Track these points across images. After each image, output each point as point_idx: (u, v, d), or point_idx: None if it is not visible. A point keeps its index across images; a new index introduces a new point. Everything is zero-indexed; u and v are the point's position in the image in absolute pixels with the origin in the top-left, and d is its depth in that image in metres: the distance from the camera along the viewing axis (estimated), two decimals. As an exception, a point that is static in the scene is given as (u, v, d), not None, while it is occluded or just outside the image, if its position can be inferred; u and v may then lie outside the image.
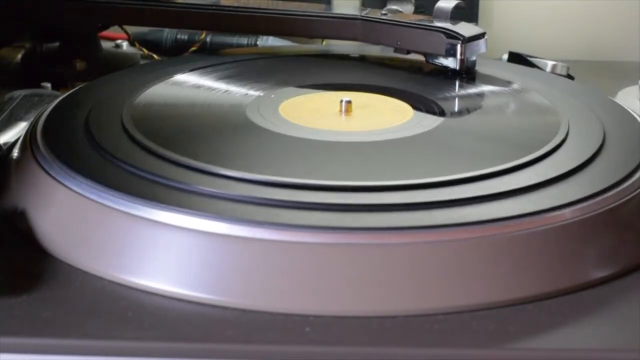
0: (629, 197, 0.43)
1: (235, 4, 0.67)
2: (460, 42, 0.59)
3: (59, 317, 0.37)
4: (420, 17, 0.64)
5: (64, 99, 0.54)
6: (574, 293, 0.39)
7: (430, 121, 0.51)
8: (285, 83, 0.58)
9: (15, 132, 0.52)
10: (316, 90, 0.57)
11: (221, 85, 0.57)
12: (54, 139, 0.47)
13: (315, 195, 0.41)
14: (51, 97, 0.57)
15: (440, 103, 0.54)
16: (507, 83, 0.59)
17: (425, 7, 0.72)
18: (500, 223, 0.40)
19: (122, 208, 0.41)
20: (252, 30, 0.71)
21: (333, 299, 0.38)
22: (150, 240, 0.40)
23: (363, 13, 0.64)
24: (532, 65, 0.66)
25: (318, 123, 0.51)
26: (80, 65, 0.69)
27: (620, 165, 0.45)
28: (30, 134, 0.49)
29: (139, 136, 0.47)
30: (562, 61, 0.65)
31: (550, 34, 0.84)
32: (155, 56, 0.75)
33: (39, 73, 0.67)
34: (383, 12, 0.64)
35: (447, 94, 0.57)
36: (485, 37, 0.60)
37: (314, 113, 0.53)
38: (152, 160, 0.44)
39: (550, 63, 0.65)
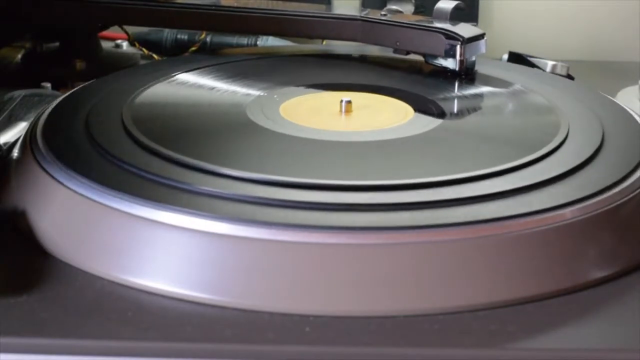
0: (629, 197, 0.43)
1: (235, 4, 0.67)
2: (459, 42, 0.59)
3: (59, 317, 0.37)
4: (420, 17, 0.64)
5: (64, 99, 0.54)
6: (574, 293, 0.39)
7: (430, 121, 0.51)
8: (285, 83, 0.58)
9: (15, 132, 0.52)
10: (316, 90, 0.57)
11: (221, 85, 0.57)
12: (54, 139, 0.47)
13: (315, 195, 0.41)
14: (51, 97, 0.57)
15: (440, 103, 0.54)
16: (507, 83, 0.59)
17: (425, 7, 0.72)
18: (500, 223, 0.40)
19: (122, 208, 0.41)
20: (253, 30, 0.71)
21: (333, 299, 0.38)
22: (150, 240, 0.40)
23: (363, 13, 0.64)
24: (532, 65, 0.66)
25: (318, 123, 0.51)
26: (80, 65, 0.69)
27: (619, 165, 0.45)
28: (30, 134, 0.49)
29: (139, 136, 0.47)
30: (562, 61, 0.65)
31: (550, 34, 0.84)
32: (155, 56, 0.75)
33: (39, 73, 0.67)
34: (383, 12, 0.64)
35: (447, 94, 0.57)
36: (485, 37, 0.60)
37: (314, 113, 0.53)
38: (152, 160, 0.44)
39: (550, 63, 0.65)
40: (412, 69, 0.62)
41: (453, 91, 0.58)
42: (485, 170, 0.43)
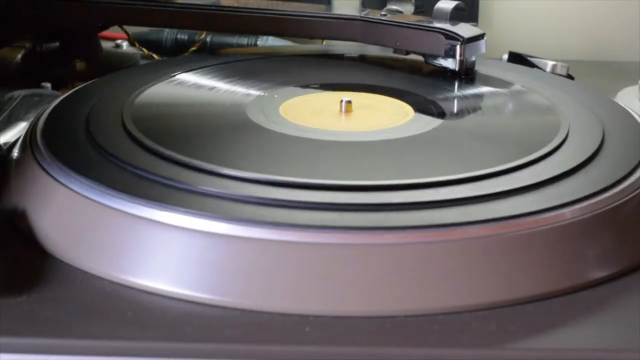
0: (629, 196, 0.43)
1: (235, 4, 0.67)
2: (459, 42, 0.59)
3: (59, 317, 0.37)
4: (420, 17, 0.64)
5: (64, 99, 0.54)
6: (574, 293, 0.39)
7: (431, 121, 0.51)
8: (286, 83, 0.58)
9: (15, 132, 0.53)
10: (316, 90, 0.57)
11: (221, 85, 0.57)
12: (54, 139, 0.47)
13: (315, 194, 0.41)
14: (51, 97, 0.57)
15: (440, 103, 0.54)
16: (507, 83, 0.59)
17: (425, 7, 0.72)
18: (501, 223, 0.40)
19: (122, 208, 0.40)
20: (252, 30, 0.71)
21: (333, 299, 0.38)
22: (150, 240, 0.40)
23: (363, 13, 0.64)
24: (532, 65, 0.66)
25: (318, 123, 0.51)
26: (80, 65, 0.69)
27: (620, 165, 0.45)
28: (30, 134, 0.49)
29: (139, 136, 0.47)
30: (562, 61, 0.65)
31: (550, 34, 0.84)
32: (155, 56, 0.75)
33: (39, 73, 0.67)
34: (383, 12, 0.64)
35: (447, 94, 0.57)
36: (485, 37, 0.60)
37: (314, 113, 0.53)
38: (152, 160, 0.44)
39: (550, 63, 0.65)
40: (412, 69, 0.62)
41: (453, 91, 0.58)
42: (485, 171, 0.43)
